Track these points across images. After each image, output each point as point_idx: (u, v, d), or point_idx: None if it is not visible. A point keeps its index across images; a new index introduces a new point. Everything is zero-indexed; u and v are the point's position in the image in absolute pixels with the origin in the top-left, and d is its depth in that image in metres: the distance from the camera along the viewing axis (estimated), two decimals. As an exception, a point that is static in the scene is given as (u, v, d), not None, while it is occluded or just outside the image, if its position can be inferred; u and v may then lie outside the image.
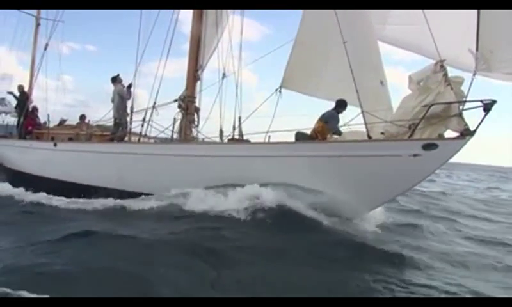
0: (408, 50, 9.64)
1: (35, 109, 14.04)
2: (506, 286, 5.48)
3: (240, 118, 10.17)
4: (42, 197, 9.45)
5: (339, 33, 8.16)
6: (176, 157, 9.00)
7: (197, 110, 10.55)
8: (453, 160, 7.32)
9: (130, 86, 10.40)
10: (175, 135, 9.85)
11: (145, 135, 9.93)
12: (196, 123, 10.54)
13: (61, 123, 14.03)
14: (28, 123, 12.71)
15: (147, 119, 9.65)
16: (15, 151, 12.88)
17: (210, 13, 10.79)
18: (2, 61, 19.29)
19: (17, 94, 13.38)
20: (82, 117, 13.05)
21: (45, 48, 12.78)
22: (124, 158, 9.53)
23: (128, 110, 10.30)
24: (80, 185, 9.87)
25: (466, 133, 7.09)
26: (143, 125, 9.65)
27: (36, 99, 14.56)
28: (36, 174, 11.22)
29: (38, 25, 14.74)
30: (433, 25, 7.67)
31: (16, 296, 3.78)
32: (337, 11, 8.29)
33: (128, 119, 10.30)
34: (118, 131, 10.31)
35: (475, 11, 6.98)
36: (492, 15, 6.99)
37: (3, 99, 14.72)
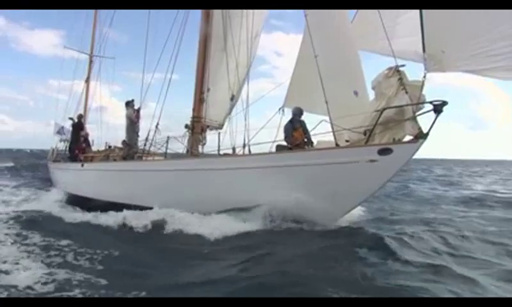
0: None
1: (86, 135, 16.05)
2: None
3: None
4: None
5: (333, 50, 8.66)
6: (167, 172, 9.87)
7: (204, 129, 11.41)
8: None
9: (138, 109, 11.53)
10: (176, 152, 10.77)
11: (149, 153, 10.97)
12: (204, 141, 11.39)
13: (109, 147, 15.76)
14: (75, 147, 14.48)
15: (150, 138, 10.69)
16: (59, 173, 14.74)
17: (217, 39, 11.73)
18: (96, 94, 21.51)
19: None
20: (124, 142, 14.60)
21: (86, 81, 14.67)
22: (130, 175, 10.63)
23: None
24: (100, 201, 11.11)
25: (419, 137, 7.07)
26: (145, 144, 10.73)
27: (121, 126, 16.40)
28: (71, 193, 12.81)
29: (90, 61, 16.91)
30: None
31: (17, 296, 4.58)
32: (310, 25, 8.77)
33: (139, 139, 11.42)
34: (130, 151, 11.41)
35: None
36: (441, 14, 6.96)
37: (62, 127, 16.86)
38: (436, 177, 29.34)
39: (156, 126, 10.71)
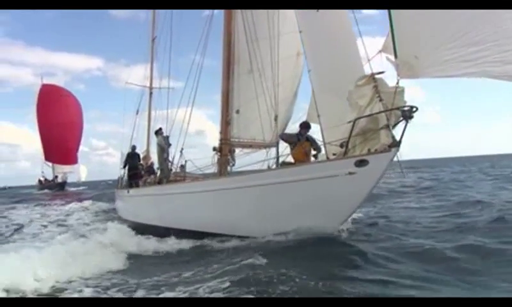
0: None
1: (152, 164, 17.63)
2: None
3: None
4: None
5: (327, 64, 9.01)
6: (191, 193, 10.70)
7: (231, 151, 12.11)
8: None
9: (167, 137, 12.58)
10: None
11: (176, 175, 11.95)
12: (232, 162, 12.08)
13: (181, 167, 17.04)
14: (131, 175, 15.96)
15: (175, 162, 11.67)
16: (117, 200, 16.41)
17: (243, 62, 12.45)
18: (193, 118, 23.01)
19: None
20: (181, 166, 15.84)
21: (136, 113, 16.32)
22: (161, 198, 11.67)
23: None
24: (141, 224, 12.31)
25: (392, 145, 7.07)
26: (171, 168, 11.71)
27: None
28: (121, 217, 14.24)
29: (150, 93, 18.59)
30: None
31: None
32: (305, 41, 9.16)
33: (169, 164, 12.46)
34: (162, 176, 12.47)
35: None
36: (413, 19, 6.96)
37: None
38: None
39: (181, 151, 11.67)
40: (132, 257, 8.78)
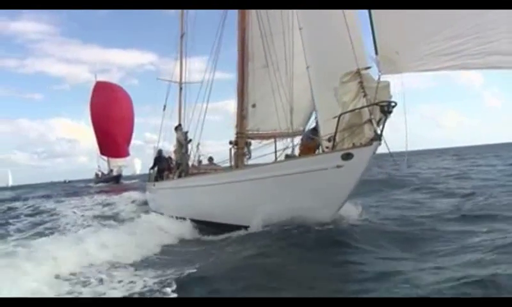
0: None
1: None
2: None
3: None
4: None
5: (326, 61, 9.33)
6: (204, 186, 11.35)
7: (248, 144, 12.62)
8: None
9: (186, 132, 13.26)
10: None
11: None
12: (248, 155, 12.60)
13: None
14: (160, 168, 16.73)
15: (192, 156, 12.36)
16: (146, 192, 17.47)
17: (257, 57, 12.86)
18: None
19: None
20: (210, 159, 16.42)
21: (164, 109, 17.13)
22: (179, 191, 12.42)
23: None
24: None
25: (374, 139, 7.35)
26: (186, 162, 12.44)
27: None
28: (150, 208, 15.17)
29: (180, 89, 19.25)
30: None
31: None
32: (304, 38, 9.46)
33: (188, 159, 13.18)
34: (181, 169, 13.18)
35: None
36: (394, 14, 7.13)
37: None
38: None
39: (197, 146, 12.35)
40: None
